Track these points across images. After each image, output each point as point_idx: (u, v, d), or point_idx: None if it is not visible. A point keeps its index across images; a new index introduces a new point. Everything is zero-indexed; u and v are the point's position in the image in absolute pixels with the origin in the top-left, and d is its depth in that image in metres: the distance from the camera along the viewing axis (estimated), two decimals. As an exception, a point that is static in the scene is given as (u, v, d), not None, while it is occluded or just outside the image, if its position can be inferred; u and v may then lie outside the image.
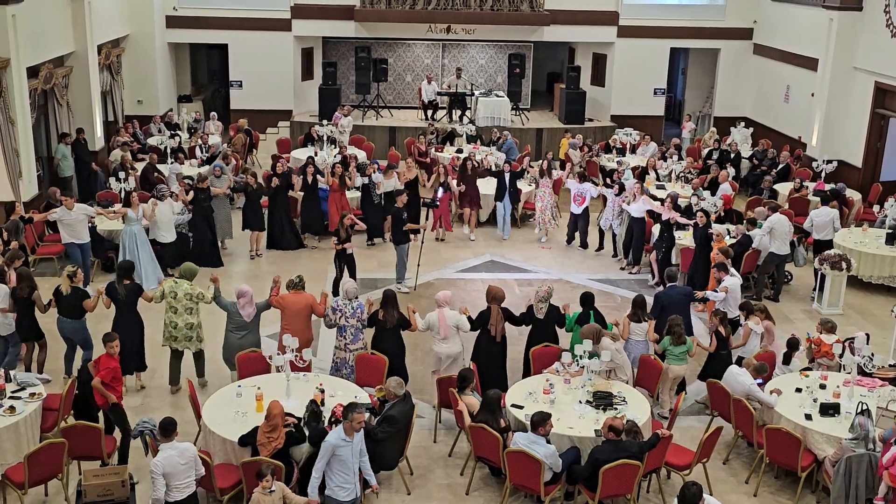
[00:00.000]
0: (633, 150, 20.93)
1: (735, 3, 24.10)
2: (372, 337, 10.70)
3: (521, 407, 9.39)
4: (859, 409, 9.17)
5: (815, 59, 20.53)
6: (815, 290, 14.49)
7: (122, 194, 15.20)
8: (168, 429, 7.81)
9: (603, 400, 9.48)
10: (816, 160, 18.90)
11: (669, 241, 14.49)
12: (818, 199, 16.25)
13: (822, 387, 10.05)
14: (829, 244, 15.10)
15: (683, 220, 14.53)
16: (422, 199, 16.22)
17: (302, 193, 16.19)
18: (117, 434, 9.38)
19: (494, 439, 8.78)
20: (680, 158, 19.48)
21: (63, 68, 17.94)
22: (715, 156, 20.09)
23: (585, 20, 23.96)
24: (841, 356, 10.37)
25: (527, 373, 10.73)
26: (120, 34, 21.63)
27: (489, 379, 10.34)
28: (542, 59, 28.00)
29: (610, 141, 21.30)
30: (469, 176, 16.94)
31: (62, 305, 10.72)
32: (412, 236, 14.65)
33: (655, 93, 24.86)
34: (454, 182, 17.00)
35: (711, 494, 8.40)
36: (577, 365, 9.93)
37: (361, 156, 19.08)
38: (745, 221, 14.88)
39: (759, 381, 9.88)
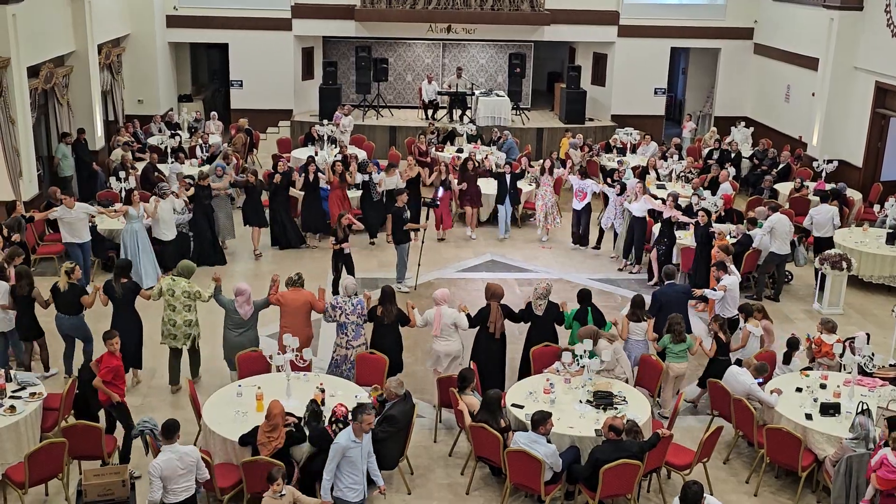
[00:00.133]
0: (634, 149, 20.94)
1: (735, 3, 24.09)
2: (371, 332, 10.71)
3: (521, 406, 9.39)
4: (860, 409, 9.16)
5: (816, 59, 20.52)
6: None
7: (123, 194, 15.20)
8: (170, 431, 7.78)
9: (603, 399, 9.48)
10: (817, 160, 18.89)
11: (670, 240, 14.49)
12: (818, 198, 16.24)
13: (823, 386, 10.05)
14: (829, 242, 15.11)
15: (685, 219, 14.53)
16: (422, 199, 16.22)
17: (303, 192, 16.19)
18: (118, 433, 9.39)
19: (495, 439, 8.78)
20: (680, 158, 19.48)
21: (63, 68, 17.94)
22: (715, 155, 20.09)
23: (586, 20, 23.96)
24: (841, 356, 10.36)
25: (524, 372, 10.73)
26: (120, 33, 21.63)
27: (488, 377, 10.34)
28: (543, 58, 28.00)
29: (610, 140, 21.31)
30: (470, 175, 16.94)
31: (60, 302, 10.74)
32: (412, 235, 14.65)
33: (656, 92, 24.86)
34: (454, 181, 17.00)
35: (712, 494, 8.40)
36: (578, 364, 9.93)
37: (362, 155, 19.07)
38: (745, 221, 14.88)
39: (760, 380, 9.89)
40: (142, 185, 16.34)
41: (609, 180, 17.16)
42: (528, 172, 18.06)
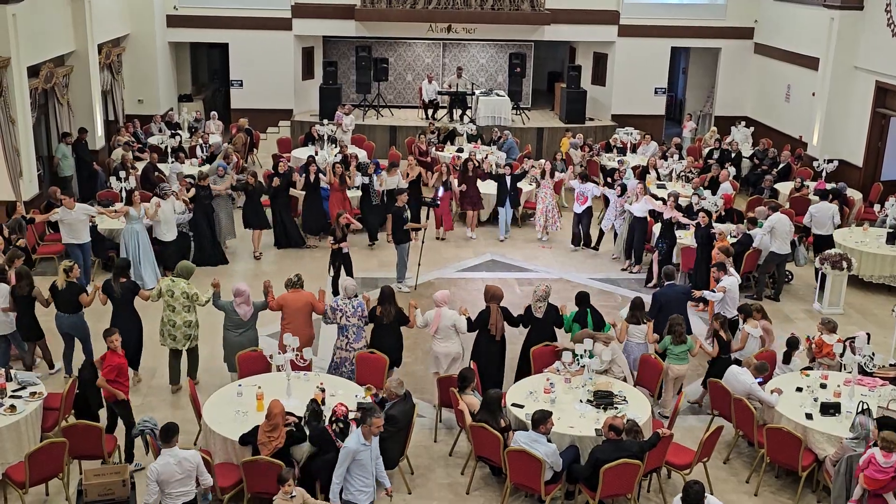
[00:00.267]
0: (634, 149, 20.93)
1: (736, 3, 24.08)
2: (371, 332, 10.72)
3: (521, 406, 9.39)
4: (860, 409, 9.17)
5: (816, 59, 20.52)
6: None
7: (123, 194, 15.20)
8: (168, 434, 7.73)
9: (603, 399, 9.48)
10: (817, 159, 18.88)
11: (670, 241, 14.48)
12: (818, 198, 16.23)
13: (823, 386, 10.05)
14: (829, 241, 15.11)
15: (685, 220, 14.53)
16: (423, 199, 16.21)
17: (304, 192, 16.19)
18: (118, 432, 9.41)
19: (495, 439, 8.78)
20: (681, 158, 19.47)
21: (63, 67, 17.94)
22: (716, 155, 20.09)
23: (586, 19, 23.95)
24: (842, 355, 10.37)
25: (521, 372, 10.72)
26: (120, 33, 21.63)
27: (488, 378, 10.34)
28: (543, 58, 27.99)
29: (611, 140, 21.30)
30: (470, 176, 16.93)
31: (58, 300, 10.75)
32: (413, 235, 14.65)
33: (656, 92, 24.85)
34: (455, 181, 17.00)
35: (712, 494, 8.39)
36: (578, 364, 9.93)
37: (362, 155, 19.07)
38: (745, 221, 14.87)
39: (760, 379, 9.89)
40: (142, 185, 16.34)
41: (609, 179, 17.17)
42: (529, 173, 18.03)
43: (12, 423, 8.80)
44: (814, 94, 20.66)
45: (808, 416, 9.44)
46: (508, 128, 22.00)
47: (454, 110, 23.41)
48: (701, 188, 16.65)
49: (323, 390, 9.37)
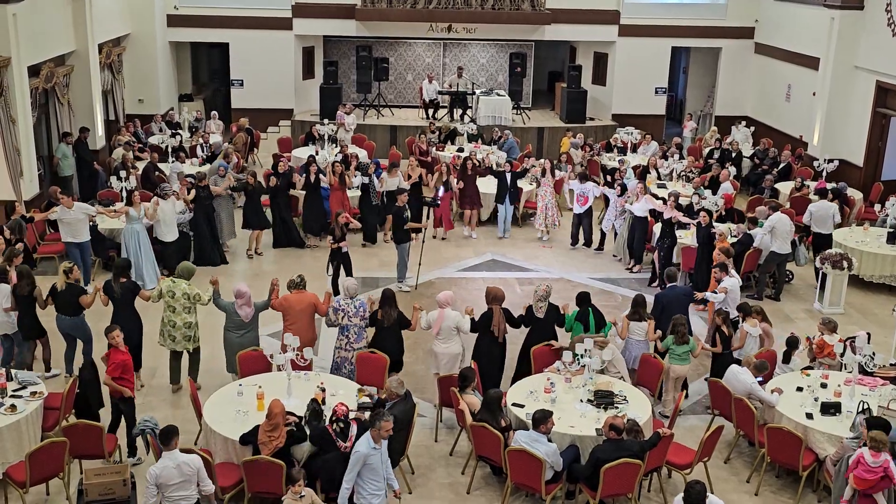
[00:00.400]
0: (635, 149, 20.93)
1: (736, 3, 24.08)
2: (372, 335, 10.71)
3: (522, 406, 9.39)
4: (860, 409, 9.17)
5: (817, 59, 20.51)
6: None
7: (124, 193, 15.20)
8: (167, 437, 7.72)
9: (604, 399, 9.48)
10: (818, 159, 18.88)
11: (671, 241, 14.48)
12: (818, 197, 16.22)
13: (824, 386, 10.05)
14: (828, 239, 15.12)
15: (686, 220, 14.52)
16: (423, 198, 16.21)
17: (304, 192, 16.20)
18: (121, 430, 9.42)
19: (495, 438, 8.78)
20: (681, 157, 19.47)
21: (64, 67, 17.95)
22: (716, 155, 20.10)
23: (587, 19, 23.94)
24: (842, 355, 10.37)
25: (519, 373, 10.70)
26: (121, 33, 21.63)
27: (489, 379, 10.33)
28: (544, 58, 27.98)
29: (611, 140, 21.30)
30: (469, 175, 16.93)
31: (58, 302, 10.74)
32: (413, 235, 14.65)
33: (657, 92, 24.84)
34: (454, 179, 16.99)
35: (713, 493, 8.39)
36: (578, 364, 9.93)
37: (362, 155, 19.07)
38: (746, 220, 14.88)
39: (760, 379, 9.89)
40: (143, 185, 16.35)
41: (609, 178, 17.16)
42: (530, 172, 18.04)
43: (13, 423, 8.80)
44: (814, 94, 20.66)
45: (809, 416, 9.43)
46: (509, 127, 22.00)
47: (455, 110, 23.41)
48: (701, 188, 16.64)
49: (323, 390, 9.38)
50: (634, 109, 24.42)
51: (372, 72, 23.60)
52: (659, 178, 18.17)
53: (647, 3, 24.18)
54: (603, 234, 16.54)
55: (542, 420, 8.54)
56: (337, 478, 8.17)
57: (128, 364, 9.31)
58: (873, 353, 10.20)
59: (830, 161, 18.36)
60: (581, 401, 9.52)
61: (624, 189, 15.84)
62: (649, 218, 15.27)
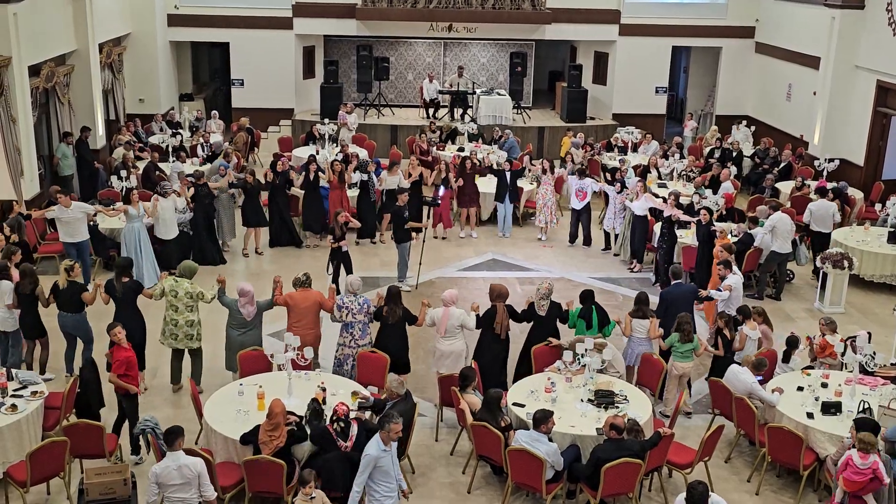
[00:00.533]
0: (635, 148, 20.94)
1: (737, 2, 24.08)
2: (377, 332, 10.70)
3: (522, 405, 9.39)
4: (861, 408, 9.16)
5: (817, 58, 20.51)
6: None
7: (124, 193, 15.20)
8: (169, 437, 7.75)
9: (604, 398, 9.48)
10: (818, 159, 18.89)
11: (671, 240, 14.48)
12: (818, 195, 16.20)
13: (824, 385, 10.05)
14: (828, 238, 15.12)
15: (686, 218, 14.52)
16: (423, 198, 16.21)
17: (303, 191, 16.20)
18: (122, 431, 9.41)
19: (496, 438, 8.78)
20: (682, 157, 19.47)
21: (64, 67, 17.94)
22: (717, 154, 20.09)
23: (587, 18, 23.94)
24: (843, 354, 10.37)
25: (519, 374, 10.70)
26: (121, 32, 21.63)
27: (492, 377, 10.32)
28: (544, 57, 28.00)
29: (612, 139, 21.30)
30: (467, 174, 16.92)
31: (60, 300, 10.75)
32: (414, 235, 14.65)
33: (657, 91, 24.84)
34: (452, 178, 16.97)
35: (713, 493, 8.39)
36: (578, 364, 9.93)
37: (363, 154, 19.07)
38: (746, 220, 14.87)
39: (760, 378, 9.89)
40: (143, 185, 16.36)
41: (609, 177, 17.16)
42: (530, 171, 18.05)
43: (13, 423, 8.80)
44: (815, 94, 20.65)
45: (810, 416, 9.43)
46: (509, 127, 22.00)
47: (455, 109, 23.41)
48: (702, 187, 16.64)
49: (324, 389, 9.37)
50: (635, 109, 24.42)
51: (372, 71, 23.60)
52: (660, 177, 18.17)
53: (647, 2, 24.19)
54: (607, 234, 16.51)
55: (542, 420, 8.54)
56: (337, 477, 8.18)
57: (131, 360, 9.33)
58: (874, 353, 10.20)
59: (831, 160, 18.37)
60: (582, 400, 9.52)
61: (623, 186, 15.84)
62: (649, 217, 15.26)
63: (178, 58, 24.53)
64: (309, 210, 16.24)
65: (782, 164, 19.57)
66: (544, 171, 16.76)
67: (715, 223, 14.19)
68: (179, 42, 24.21)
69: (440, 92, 23.82)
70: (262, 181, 16.04)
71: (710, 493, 7.56)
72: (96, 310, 11.06)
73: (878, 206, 17.37)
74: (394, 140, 22.65)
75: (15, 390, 9.26)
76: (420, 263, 14.46)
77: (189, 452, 7.89)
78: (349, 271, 13.70)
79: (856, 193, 17.91)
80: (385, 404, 9.08)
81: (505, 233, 17.17)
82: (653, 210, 15.11)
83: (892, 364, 10.75)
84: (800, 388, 10.00)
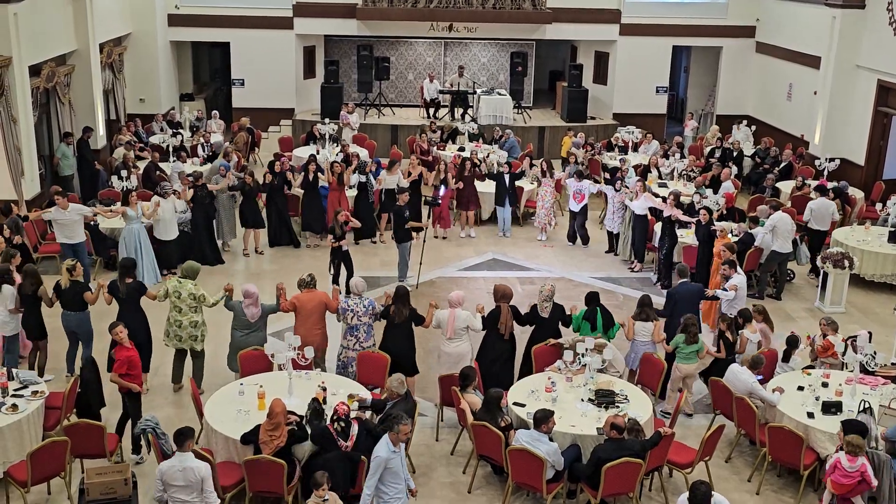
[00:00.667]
0: (636, 148, 20.93)
1: (737, 2, 24.08)
2: (383, 332, 10.69)
3: (523, 405, 9.39)
4: (861, 408, 9.16)
5: (818, 57, 20.50)
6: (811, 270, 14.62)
7: (124, 193, 15.19)
8: (178, 438, 7.79)
9: (605, 398, 9.48)
10: (819, 158, 18.88)
11: (671, 239, 14.48)
12: (818, 193, 16.18)
13: (825, 385, 10.05)
14: (824, 235, 15.17)
15: (685, 218, 14.52)
16: (423, 198, 16.21)
17: (302, 191, 16.20)
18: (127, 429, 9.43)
19: (496, 437, 8.78)
20: (682, 157, 19.46)
21: (65, 67, 17.95)
22: (717, 154, 20.10)
23: (588, 18, 23.94)
24: (843, 354, 10.36)
25: (522, 372, 10.70)
26: (122, 32, 21.63)
27: (499, 377, 10.27)
28: (545, 57, 28.00)
29: (612, 139, 21.30)
30: (466, 176, 16.91)
31: (63, 299, 10.76)
32: (414, 234, 14.65)
33: (658, 91, 24.84)
34: (451, 179, 16.96)
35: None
36: (579, 363, 9.93)
37: (363, 154, 19.07)
38: (747, 220, 14.87)
39: (760, 377, 9.89)
40: (144, 185, 16.36)
41: (609, 177, 17.16)
42: (530, 172, 18.04)
43: (14, 422, 8.80)
44: (815, 93, 20.64)
45: (810, 415, 9.43)
46: (510, 126, 22.01)
47: (456, 109, 23.41)
48: (703, 187, 16.63)
49: (324, 389, 9.37)
50: (635, 108, 24.42)
51: (373, 71, 23.61)
52: (660, 177, 18.17)
53: (648, 2, 24.19)
54: (610, 235, 16.47)
55: (543, 419, 8.54)
56: (338, 477, 8.17)
57: (133, 359, 9.33)
58: (874, 353, 10.18)
59: (832, 160, 18.36)
60: (582, 400, 9.52)
61: (622, 184, 15.85)
62: (650, 217, 15.26)
63: (178, 58, 24.53)
64: (308, 210, 16.24)
65: (783, 164, 19.56)
66: (544, 174, 16.76)
67: (715, 223, 14.19)
68: (180, 42, 24.22)
69: (441, 92, 23.83)
70: (262, 181, 16.03)
71: (714, 492, 7.55)
72: (100, 309, 11.07)
73: (878, 206, 17.36)
74: (394, 140, 22.66)
75: (16, 390, 9.27)
76: (420, 263, 14.46)
77: (199, 457, 7.91)
78: (350, 270, 13.71)
79: (856, 193, 17.91)
80: (385, 404, 9.08)
81: (505, 233, 17.16)
82: (653, 210, 15.10)
83: (892, 364, 10.75)
84: (800, 388, 10.00)
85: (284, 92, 23.93)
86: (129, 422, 9.51)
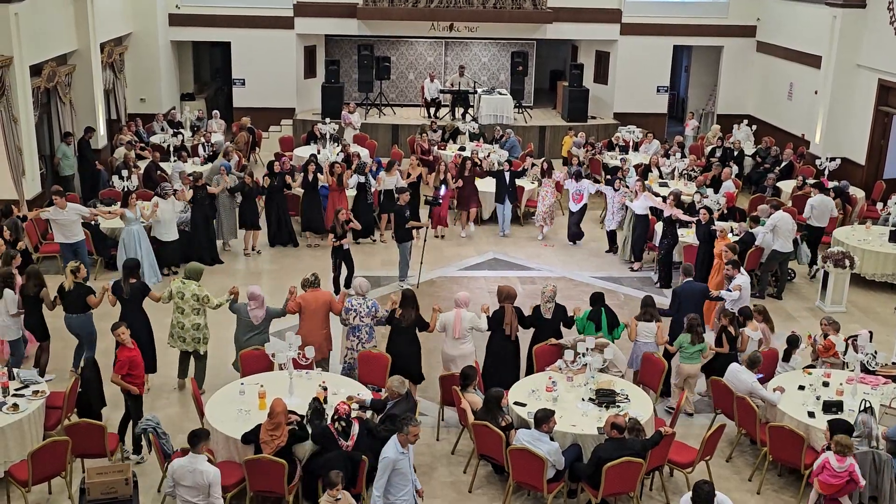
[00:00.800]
0: (636, 147, 20.93)
1: (738, 1, 24.07)
2: (388, 336, 10.68)
3: (524, 405, 9.39)
4: (862, 407, 9.16)
5: (819, 57, 20.49)
6: (810, 269, 14.69)
7: (124, 193, 15.19)
8: (191, 440, 7.81)
9: (606, 398, 9.48)
10: (820, 158, 18.87)
11: (672, 239, 14.48)
12: (818, 190, 16.18)
13: (826, 384, 10.05)
14: (822, 232, 15.24)
15: (685, 217, 14.52)
16: (423, 198, 16.21)
17: (302, 191, 16.19)
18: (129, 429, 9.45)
19: (497, 437, 8.79)
20: (683, 156, 19.47)
21: (66, 66, 17.95)
22: (718, 153, 20.09)
23: (588, 18, 23.93)
24: (844, 353, 10.36)
25: (526, 371, 10.71)
26: (122, 32, 21.64)
27: (503, 378, 10.24)
28: (545, 56, 27.99)
29: (613, 139, 21.30)
30: (466, 175, 16.92)
31: (66, 301, 10.75)
32: (415, 234, 14.64)
33: (658, 90, 24.84)
34: (451, 178, 16.96)
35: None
36: (580, 363, 9.93)
37: (364, 154, 19.07)
38: (748, 219, 14.87)
39: (760, 376, 9.89)
40: (144, 184, 16.37)
41: (610, 177, 17.16)
42: (530, 171, 18.04)
43: (15, 422, 8.81)
44: (816, 93, 20.63)
45: (811, 415, 9.43)
46: (510, 126, 22.00)
47: (456, 109, 23.41)
48: (704, 187, 16.63)
49: (325, 389, 9.37)
50: (636, 108, 24.42)
51: (374, 71, 23.60)
52: (661, 176, 18.17)
53: (648, 1, 24.19)
54: (610, 235, 16.45)
55: (543, 419, 8.54)
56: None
57: (135, 360, 9.33)
58: (875, 352, 10.20)
59: (832, 159, 18.36)
60: (583, 399, 9.52)
61: (622, 183, 15.85)
62: (650, 216, 15.26)
63: (179, 57, 24.53)
64: (309, 210, 16.24)
65: (784, 164, 19.56)
66: (544, 174, 16.75)
67: (715, 222, 14.20)
68: (181, 42, 24.21)
69: (441, 91, 23.82)
70: (261, 182, 15.98)
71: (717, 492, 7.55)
72: (102, 310, 11.07)
73: (879, 205, 17.36)
74: (395, 140, 22.66)
75: (17, 390, 9.28)
76: (421, 263, 14.46)
77: (211, 462, 7.95)
78: (350, 269, 13.71)
79: (857, 192, 17.90)
80: (385, 404, 9.08)
81: (505, 231, 17.16)
82: (654, 209, 15.10)
83: (893, 363, 10.74)
84: (801, 387, 10.00)
85: (285, 92, 23.93)
86: (131, 423, 9.52)
